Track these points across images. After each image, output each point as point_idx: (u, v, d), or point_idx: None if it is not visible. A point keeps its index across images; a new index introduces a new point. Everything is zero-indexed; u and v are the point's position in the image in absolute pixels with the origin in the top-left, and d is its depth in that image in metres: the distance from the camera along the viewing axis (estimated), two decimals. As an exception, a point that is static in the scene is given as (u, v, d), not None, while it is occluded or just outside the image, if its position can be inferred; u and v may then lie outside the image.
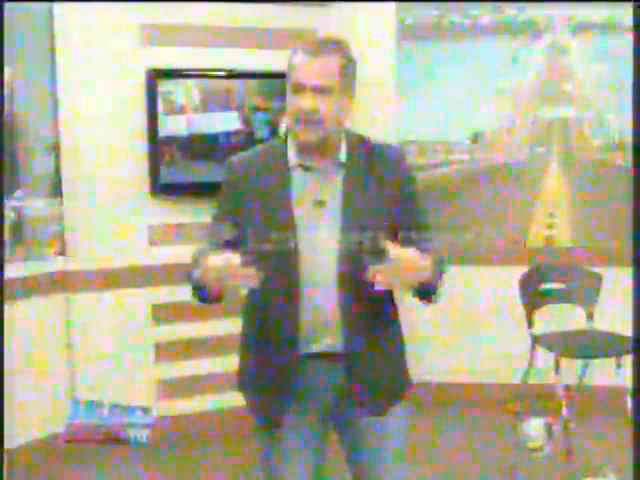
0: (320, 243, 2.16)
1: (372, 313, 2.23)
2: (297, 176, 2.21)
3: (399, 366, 2.37)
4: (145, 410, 4.28)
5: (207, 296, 2.14)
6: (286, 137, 2.26)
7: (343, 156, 2.22)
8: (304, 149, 2.19)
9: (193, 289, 2.18)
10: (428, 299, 2.23)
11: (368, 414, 2.26)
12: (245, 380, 2.37)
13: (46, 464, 4.05)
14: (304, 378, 2.22)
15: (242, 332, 2.37)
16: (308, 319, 2.17)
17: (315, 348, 2.20)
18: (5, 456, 3.41)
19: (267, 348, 2.24)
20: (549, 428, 3.97)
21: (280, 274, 2.16)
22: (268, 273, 2.11)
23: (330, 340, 2.19)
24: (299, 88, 2.12)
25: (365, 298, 2.19)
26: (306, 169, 2.21)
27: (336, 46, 2.15)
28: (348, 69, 2.16)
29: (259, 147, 2.35)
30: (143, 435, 4.24)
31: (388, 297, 2.30)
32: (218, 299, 2.17)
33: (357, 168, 2.21)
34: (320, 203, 2.18)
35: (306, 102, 2.10)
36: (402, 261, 2.00)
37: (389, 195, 2.21)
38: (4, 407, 3.11)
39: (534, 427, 4.01)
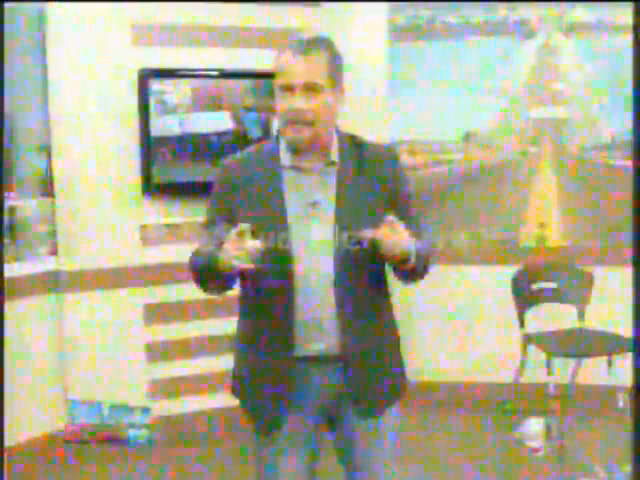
0: (314, 244, 2.15)
1: (368, 313, 2.23)
2: (289, 177, 2.20)
3: (396, 366, 2.36)
4: (144, 410, 4.29)
5: (223, 282, 2.15)
6: (277, 137, 2.25)
7: (335, 156, 2.21)
8: (296, 149, 2.18)
9: (205, 276, 2.17)
10: (407, 278, 2.25)
11: (363, 415, 2.26)
12: (240, 384, 2.35)
13: (46, 464, 4.04)
14: (300, 381, 2.21)
15: (237, 335, 2.36)
16: (303, 321, 2.16)
17: (311, 350, 2.18)
18: (5, 456, 3.42)
19: (263, 351, 2.23)
20: (548, 428, 3.99)
21: (274, 276, 2.15)
22: (262, 274, 2.11)
23: (326, 342, 2.18)
24: (288, 88, 2.10)
25: (361, 298, 2.19)
26: (298, 169, 2.20)
27: (323, 44, 2.14)
28: (336, 66, 2.15)
29: (251, 148, 2.34)
30: (142, 435, 4.25)
31: (383, 295, 2.31)
32: (229, 285, 2.20)
33: (350, 168, 2.21)
34: (313, 203, 2.17)
35: (296, 102, 2.09)
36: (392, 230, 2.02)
37: (382, 195, 2.20)
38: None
39: (533, 427, 4.03)
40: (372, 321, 2.25)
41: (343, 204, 2.17)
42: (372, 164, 2.23)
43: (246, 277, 2.22)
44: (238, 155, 2.31)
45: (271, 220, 2.16)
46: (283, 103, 2.12)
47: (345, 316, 2.17)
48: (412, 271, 2.18)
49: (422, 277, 2.29)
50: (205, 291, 2.27)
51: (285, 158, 2.21)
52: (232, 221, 2.15)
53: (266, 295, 2.19)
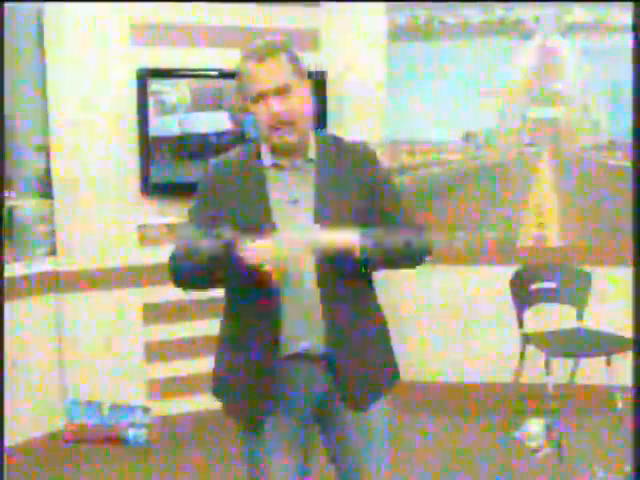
0: None
1: (353, 309, 2.24)
2: (271, 175, 2.22)
3: (384, 359, 2.37)
4: (145, 410, 4.29)
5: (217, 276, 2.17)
6: (258, 138, 2.27)
7: (313, 153, 2.24)
8: (281, 151, 2.20)
9: (199, 267, 2.18)
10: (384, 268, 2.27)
11: (352, 410, 2.26)
12: (223, 384, 2.36)
13: (46, 464, 4.04)
14: (287, 379, 2.22)
15: (221, 336, 2.37)
16: (288, 319, 2.17)
17: (297, 348, 2.19)
18: (5, 456, 3.42)
19: (247, 351, 2.24)
20: (547, 428, 3.99)
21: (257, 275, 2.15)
22: (247, 274, 2.12)
23: (312, 340, 2.19)
24: (261, 96, 2.13)
25: (345, 295, 2.21)
26: (279, 167, 2.22)
27: (278, 45, 2.17)
28: (298, 65, 2.18)
29: (233, 151, 2.36)
30: (142, 435, 4.25)
31: (368, 290, 2.33)
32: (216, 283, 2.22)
33: (328, 165, 2.23)
34: (294, 201, 2.20)
35: (273, 107, 2.12)
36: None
37: (362, 191, 2.22)
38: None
39: (533, 427, 4.03)
40: (358, 316, 2.27)
41: (322, 201, 2.19)
42: (350, 161, 2.26)
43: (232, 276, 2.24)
44: (221, 158, 2.33)
45: (257, 220, 2.17)
46: (260, 111, 2.15)
47: (330, 314, 2.18)
48: (377, 263, 2.19)
49: (411, 265, 2.30)
50: (185, 287, 2.31)
51: (266, 157, 2.24)
52: (216, 223, 2.18)
53: (251, 295, 2.19)
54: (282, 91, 2.13)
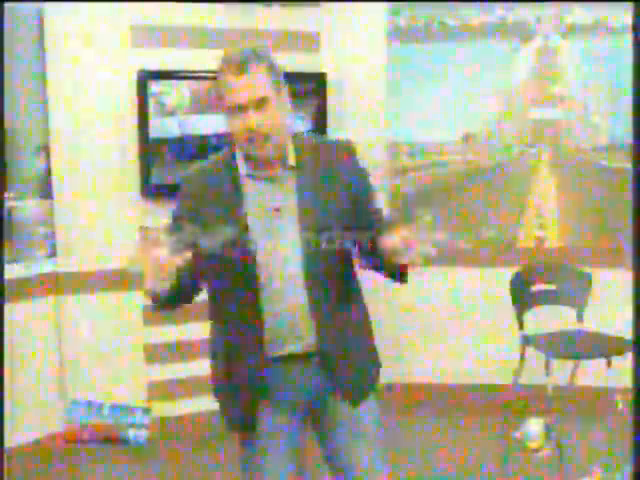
0: (282, 249, 2.17)
1: (341, 309, 2.26)
2: (249, 185, 2.21)
3: (371, 355, 2.40)
4: (145, 410, 4.30)
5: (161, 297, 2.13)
6: (233, 147, 2.25)
7: (292, 160, 2.23)
8: (257, 161, 2.19)
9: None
10: (398, 276, 2.22)
11: (344, 406, 2.28)
12: (218, 387, 2.38)
13: (46, 464, 4.05)
14: (278, 380, 2.24)
15: (210, 339, 2.40)
16: (276, 323, 2.19)
17: (286, 350, 2.21)
18: (5, 456, 3.42)
19: (234, 354, 2.26)
20: (547, 429, 3.98)
21: (239, 283, 2.18)
22: (228, 282, 2.18)
23: (302, 342, 2.20)
24: (238, 108, 2.11)
25: (333, 296, 2.23)
26: (258, 178, 2.21)
27: (258, 56, 2.13)
28: (275, 73, 2.16)
29: (210, 159, 2.33)
30: (142, 435, 4.25)
31: (353, 289, 2.34)
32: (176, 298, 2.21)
33: (308, 170, 2.23)
34: (276, 210, 2.19)
35: (249, 120, 2.10)
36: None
37: (344, 191, 2.22)
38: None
39: (532, 428, 4.03)
40: (346, 315, 2.29)
41: (305, 206, 2.19)
42: (329, 162, 2.25)
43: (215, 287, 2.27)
44: (196, 168, 2.32)
45: (234, 229, 2.15)
46: (236, 123, 2.13)
47: (319, 315, 2.20)
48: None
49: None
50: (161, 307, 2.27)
51: (243, 167, 2.22)
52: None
53: (236, 303, 2.22)
54: (259, 104, 2.10)
